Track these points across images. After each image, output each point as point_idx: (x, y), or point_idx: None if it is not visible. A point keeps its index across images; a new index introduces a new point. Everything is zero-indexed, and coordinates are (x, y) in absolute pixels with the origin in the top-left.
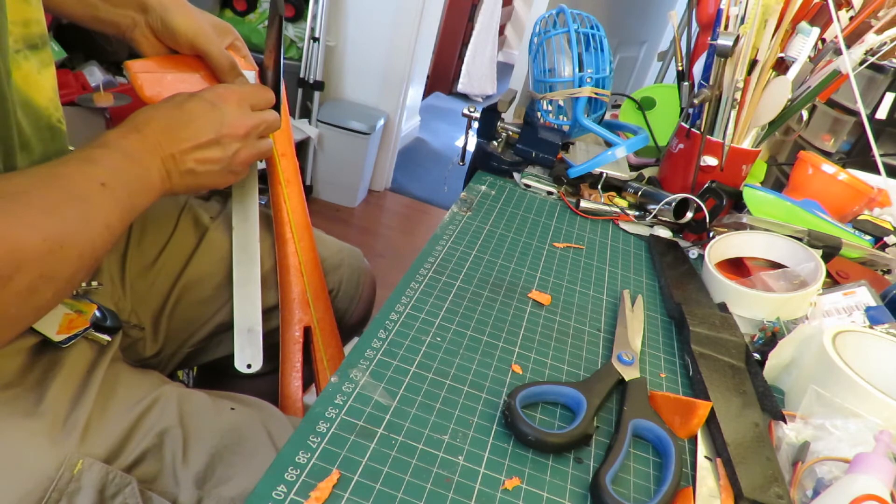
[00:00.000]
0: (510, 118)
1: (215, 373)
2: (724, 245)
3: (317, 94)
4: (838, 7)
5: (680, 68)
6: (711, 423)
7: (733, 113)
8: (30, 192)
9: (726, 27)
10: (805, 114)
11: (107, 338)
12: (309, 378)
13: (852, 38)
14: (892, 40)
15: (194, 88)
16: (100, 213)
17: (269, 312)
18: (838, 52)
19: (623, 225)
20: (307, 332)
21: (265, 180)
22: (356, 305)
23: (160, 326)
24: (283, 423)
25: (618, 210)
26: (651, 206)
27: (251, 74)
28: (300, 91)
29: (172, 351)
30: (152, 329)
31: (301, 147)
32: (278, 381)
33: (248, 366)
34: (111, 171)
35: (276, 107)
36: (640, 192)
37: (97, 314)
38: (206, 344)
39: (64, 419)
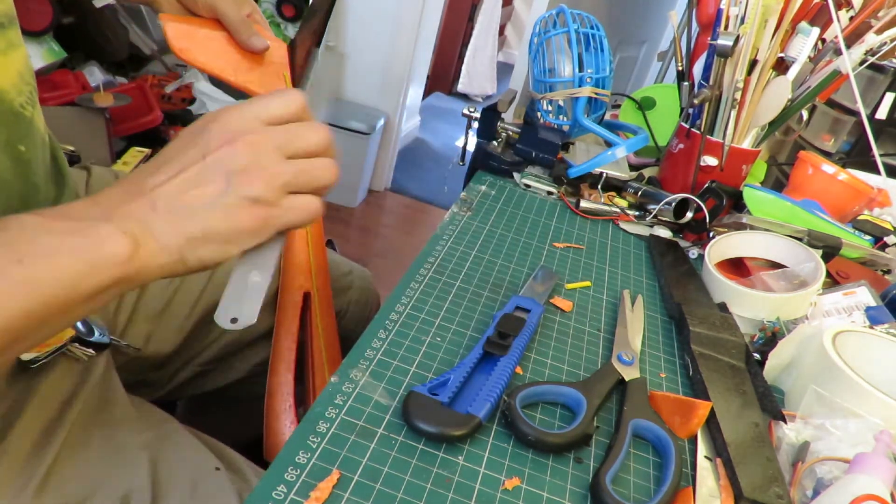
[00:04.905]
0: (510, 118)
1: (215, 397)
2: (724, 245)
3: None
4: (838, 7)
5: (680, 68)
6: (711, 423)
7: (733, 113)
8: None
9: (726, 27)
10: (805, 114)
11: (90, 352)
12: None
13: (852, 38)
14: (891, 40)
15: (222, 49)
16: None
17: (265, 338)
18: (838, 52)
19: (623, 225)
20: (304, 342)
21: None
22: (362, 328)
23: (168, 341)
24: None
25: (618, 210)
26: (651, 206)
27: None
28: None
29: (177, 368)
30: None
31: None
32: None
33: (234, 320)
34: None
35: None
36: (640, 192)
37: (80, 327)
38: (213, 367)
39: (22, 466)
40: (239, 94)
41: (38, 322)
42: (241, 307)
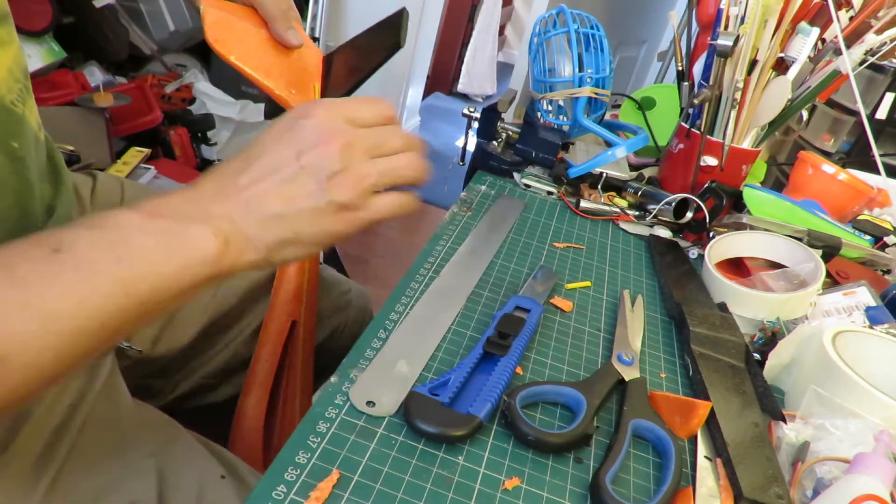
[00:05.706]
0: (510, 118)
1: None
2: (724, 245)
3: None
4: (838, 7)
5: (680, 68)
6: (711, 423)
7: (733, 113)
8: None
9: (726, 27)
10: (805, 114)
11: None
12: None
13: (852, 38)
14: (891, 40)
15: (258, 47)
16: (44, 292)
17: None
18: (838, 52)
19: (623, 225)
20: (281, 369)
21: None
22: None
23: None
24: None
25: (618, 210)
26: (651, 206)
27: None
28: None
29: (179, 377)
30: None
31: None
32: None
33: (370, 403)
34: (84, 234)
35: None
36: (640, 192)
37: None
38: (216, 381)
39: (30, 470)
40: (239, 95)
41: (133, 319)
42: (381, 395)
